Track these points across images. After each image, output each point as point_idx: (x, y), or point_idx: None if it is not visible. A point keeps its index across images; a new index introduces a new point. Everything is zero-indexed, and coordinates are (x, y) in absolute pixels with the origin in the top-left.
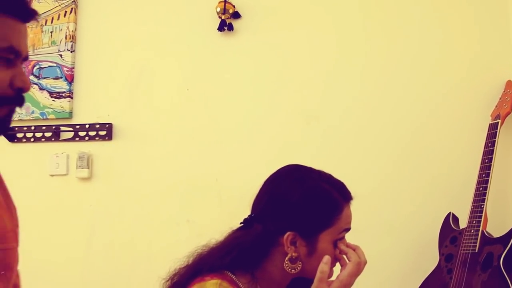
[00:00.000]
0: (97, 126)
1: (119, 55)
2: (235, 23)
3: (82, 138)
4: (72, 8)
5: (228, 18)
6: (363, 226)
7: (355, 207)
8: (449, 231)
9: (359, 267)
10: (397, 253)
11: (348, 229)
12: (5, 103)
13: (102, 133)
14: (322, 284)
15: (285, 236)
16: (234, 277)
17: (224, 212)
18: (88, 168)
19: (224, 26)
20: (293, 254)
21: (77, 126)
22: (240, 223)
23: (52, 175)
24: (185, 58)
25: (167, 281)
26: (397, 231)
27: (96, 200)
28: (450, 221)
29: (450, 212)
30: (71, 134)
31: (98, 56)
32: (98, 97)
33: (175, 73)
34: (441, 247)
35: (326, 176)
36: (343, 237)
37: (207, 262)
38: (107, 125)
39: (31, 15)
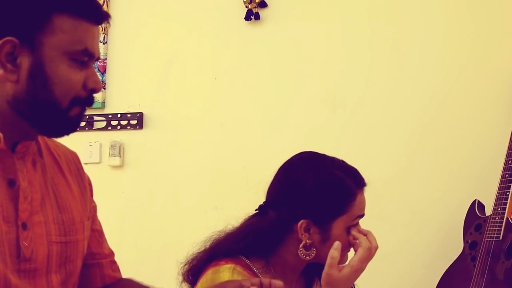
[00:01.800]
0: (129, 115)
1: (149, 46)
2: (262, 12)
3: (114, 127)
4: (104, 1)
5: (255, 7)
6: (388, 213)
7: (381, 194)
8: (474, 218)
9: (370, 252)
10: (422, 240)
11: (361, 216)
12: (78, 104)
13: (133, 122)
14: (333, 270)
15: (299, 223)
16: (248, 262)
17: (251, 199)
18: (120, 157)
19: (251, 16)
20: (307, 241)
21: (109, 116)
22: (255, 210)
23: (85, 163)
24: (213, 47)
25: (185, 265)
26: (422, 218)
27: (127, 187)
28: (475, 208)
29: (475, 199)
30: (104, 124)
31: (129, 48)
32: (129, 88)
33: (203, 62)
34: (465, 235)
35: (339, 162)
36: (357, 224)
37: (223, 247)
38: (138, 115)
39: (104, 17)
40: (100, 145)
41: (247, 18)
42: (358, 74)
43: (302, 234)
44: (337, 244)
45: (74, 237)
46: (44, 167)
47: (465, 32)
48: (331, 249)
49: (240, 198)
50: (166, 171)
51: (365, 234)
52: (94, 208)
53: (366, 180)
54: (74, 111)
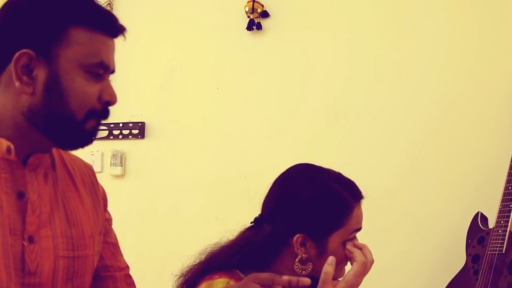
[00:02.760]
0: (130, 125)
1: (151, 56)
2: (264, 22)
3: (116, 137)
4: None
5: (257, 17)
6: (390, 224)
7: (383, 205)
8: (477, 231)
9: (365, 266)
10: (425, 252)
11: (358, 229)
12: (93, 117)
13: (135, 131)
14: (327, 285)
15: (295, 238)
16: (243, 275)
17: (252, 209)
18: (122, 166)
19: (253, 26)
20: (303, 255)
21: (111, 125)
22: (251, 223)
23: None
24: (215, 57)
25: (180, 277)
26: (425, 229)
27: (129, 196)
28: (478, 220)
29: (478, 212)
30: (106, 133)
31: (131, 57)
32: (131, 97)
33: (205, 72)
34: (468, 247)
35: (336, 175)
36: (354, 237)
37: (217, 260)
38: (139, 124)
39: (120, 30)
40: (102, 154)
41: (249, 28)
42: (360, 83)
43: (298, 249)
44: (331, 259)
45: (82, 252)
46: (56, 180)
47: (470, 42)
48: (325, 264)
49: (241, 209)
50: (167, 180)
51: (360, 248)
52: (108, 221)
53: (363, 193)
54: (90, 124)
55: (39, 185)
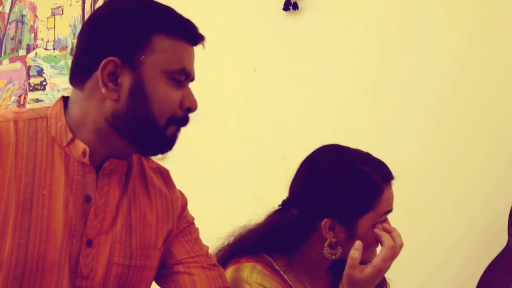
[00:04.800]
0: None
1: None
2: (300, 2)
3: None
4: None
5: None
6: (431, 204)
7: (423, 184)
8: None
9: (394, 251)
10: (464, 233)
11: (389, 211)
12: (174, 123)
13: None
14: (354, 270)
15: (323, 222)
16: (270, 259)
17: None
18: None
19: (289, 6)
20: (332, 239)
21: None
22: (278, 206)
23: None
24: (251, 39)
25: None
26: (466, 210)
27: None
28: None
29: None
30: None
31: None
32: None
33: (241, 54)
34: (510, 226)
35: (364, 156)
36: (385, 220)
37: (245, 243)
38: None
39: (200, 39)
40: None
41: (286, 8)
42: (398, 62)
43: (327, 233)
44: (357, 244)
45: (141, 262)
46: (128, 187)
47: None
48: (351, 250)
49: (280, 189)
50: (207, 162)
51: (389, 231)
52: (189, 224)
53: (394, 174)
54: (170, 130)
55: (109, 191)
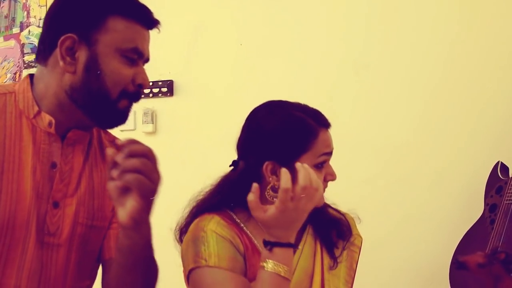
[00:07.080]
0: (159, 83)
1: (176, 15)
2: None
3: (146, 95)
4: None
5: None
6: (411, 175)
7: (403, 155)
8: (495, 181)
9: (286, 193)
10: (445, 203)
11: (328, 153)
12: (126, 97)
13: (164, 89)
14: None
15: (264, 166)
16: (232, 213)
17: None
18: (153, 123)
19: None
20: (276, 183)
21: None
22: (229, 166)
23: (122, 130)
24: (237, 13)
25: (175, 229)
26: (445, 180)
27: (160, 153)
28: (498, 170)
29: (499, 161)
30: None
31: (157, 17)
32: (159, 56)
33: (228, 28)
34: (486, 197)
35: (300, 106)
36: (325, 161)
37: (204, 204)
38: (168, 82)
39: (154, 23)
40: (134, 112)
41: None
42: (382, 35)
43: (270, 177)
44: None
45: (101, 223)
46: (89, 155)
47: None
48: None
49: None
50: (196, 136)
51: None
52: None
53: (330, 121)
54: (123, 104)
55: (73, 158)
